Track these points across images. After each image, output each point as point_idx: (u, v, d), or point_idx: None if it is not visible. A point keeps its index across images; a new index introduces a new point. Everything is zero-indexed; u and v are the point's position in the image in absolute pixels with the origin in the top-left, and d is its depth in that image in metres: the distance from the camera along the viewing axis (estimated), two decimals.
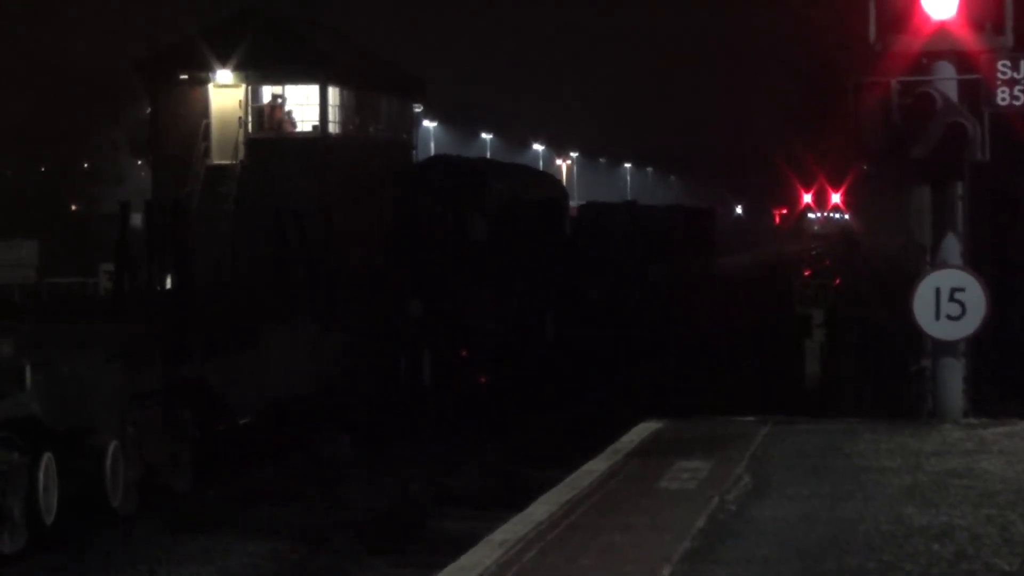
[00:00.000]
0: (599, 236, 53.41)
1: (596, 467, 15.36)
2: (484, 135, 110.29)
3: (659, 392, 33.12)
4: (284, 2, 47.75)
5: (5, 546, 19.85)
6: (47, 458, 20.71)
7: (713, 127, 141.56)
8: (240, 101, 42.48)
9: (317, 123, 42.69)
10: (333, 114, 42.65)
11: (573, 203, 62.89)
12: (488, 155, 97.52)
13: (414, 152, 48.20)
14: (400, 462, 26.93)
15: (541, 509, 13.20)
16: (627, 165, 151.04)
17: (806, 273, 69.85)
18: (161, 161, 43.98)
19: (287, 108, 43.00)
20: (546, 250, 46.32)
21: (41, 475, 20.54)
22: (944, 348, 17.43)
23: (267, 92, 43.12)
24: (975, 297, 17.17)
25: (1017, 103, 17.21)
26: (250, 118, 42.44)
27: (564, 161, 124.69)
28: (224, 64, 41.85)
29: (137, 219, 43.62)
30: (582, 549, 11.59)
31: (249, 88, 42.73)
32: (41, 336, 22.74)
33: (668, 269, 59.14)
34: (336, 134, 42.60)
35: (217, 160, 41.92)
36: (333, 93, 42.69)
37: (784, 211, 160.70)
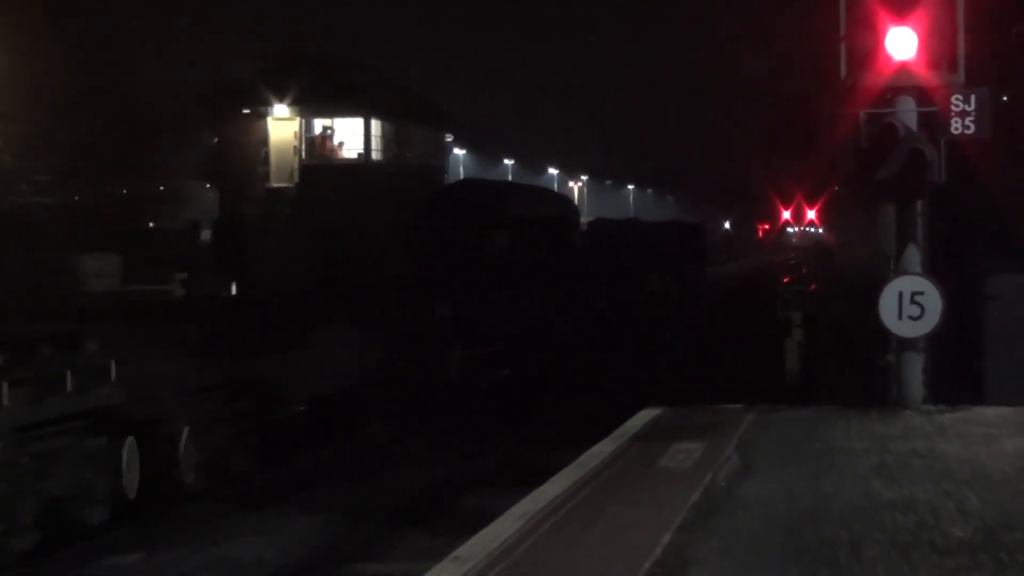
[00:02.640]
0: (606, 248, 53.44)
1: (603, 449, 15.34)
2: (506, 161, 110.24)
3: (658, 384, 33.04)
4: (328, 41, 48.00)
5: (94, 518, 19.91)
6: (129, 441, 20.77)
7: (705, 152, 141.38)
8: (295, 132, 42.51)
9: (362, 151, 42.71)
10: (375, 143, 42.71)
11: (584, 220, 62.84)
12: (509, 178, 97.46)
13: (445, 176, 48.16)
14: (432, 446, 26.92)
15: (555, 486, 13.18)
16: (630, 186, 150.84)
17: (786, 280, 69.67)
18: (225, 185, 44.02)
19: (336, 139, 43.03)
20: (558, 261, 46.33)
21: (124, 456, 20.60)
22: (906, 344, 17.41)
23: (318, 124, 43.16)
24: (932, 300, 17.15)
25: (968, 132, 17.21)
26: (303, 147, 42.49)
27: (576, 183, 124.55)
28: (281, 100, 41.95)
29: (206, 235, 43.71)
30: (592, 521, 11.58)
31: (303, 121, 42.75)
32: (123, 337, 22.80)
33: (665, 277, 59.11)
34: (377, 160, 42.63)
35: (275, 183, 41.99)
36: (375, 125, 42.71)
37: (767, 226, 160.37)
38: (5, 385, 18.61)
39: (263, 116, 42.79)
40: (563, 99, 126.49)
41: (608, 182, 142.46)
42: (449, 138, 50.14)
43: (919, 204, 17.54)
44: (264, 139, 42.83)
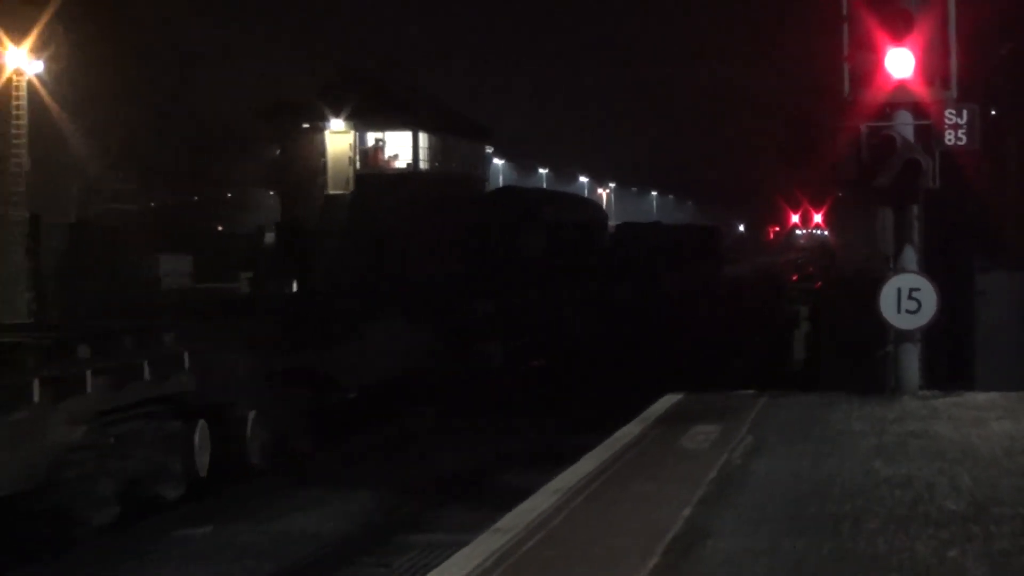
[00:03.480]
0: (631, 249, 53.41)
1: (629, 431, 15.33)
2: (541, 170, 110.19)
3: (678, 372, 32.95)
4: (378, 61, 48.23)
5: (169, 494, 20.02)
6: (201, 425, 20.86)
7: (721, 161, 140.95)
8: (350, 144, 42.71)
9: (410, 161, 42.88)
10: (423, 155, 42.84)
11: (611, 223, 62.82)
12: (544, 186, 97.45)
13: (485, 184, 48.27)
14: (474, 429, 26.93)
15: (586, 464, 13.18)
16: (653, 192, 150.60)
17: (794, 278, 69.42)
18: (287, 192, 44.27)
19: (387, 150, 43.21)
20: (587, 261, 46.33)
21: (196, 438, 20.69)
22: (904, 336, 17.35)
23: (371, 137, 43.34)
24: (928, 296, 17.09)
25: (960, 143, 17.16)
26: (358, 158, 42.69)
27: (604, 190, 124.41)
28: (337, 115, 42.17)
29: (269, 237, 43.90)
30: (619, 495, 11.59)
31: (356, 134, 42.95)
32: (196, 330, 22.91)
33: (684, 275, 59.02)
34: (425, 170, 42.75)
35: (332, 191, 42.21)
36: (422, 138, 42.83)
37: (776, 228, 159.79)
38: (89, 373, 18.75)
39: (321, 130, 43.01)
40: (593, 115, 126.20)
41: (633, 188, 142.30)
42: (489, 149, 50.28)
43: (915, 208, 17.48)
44: (322, 151, 43.05)
